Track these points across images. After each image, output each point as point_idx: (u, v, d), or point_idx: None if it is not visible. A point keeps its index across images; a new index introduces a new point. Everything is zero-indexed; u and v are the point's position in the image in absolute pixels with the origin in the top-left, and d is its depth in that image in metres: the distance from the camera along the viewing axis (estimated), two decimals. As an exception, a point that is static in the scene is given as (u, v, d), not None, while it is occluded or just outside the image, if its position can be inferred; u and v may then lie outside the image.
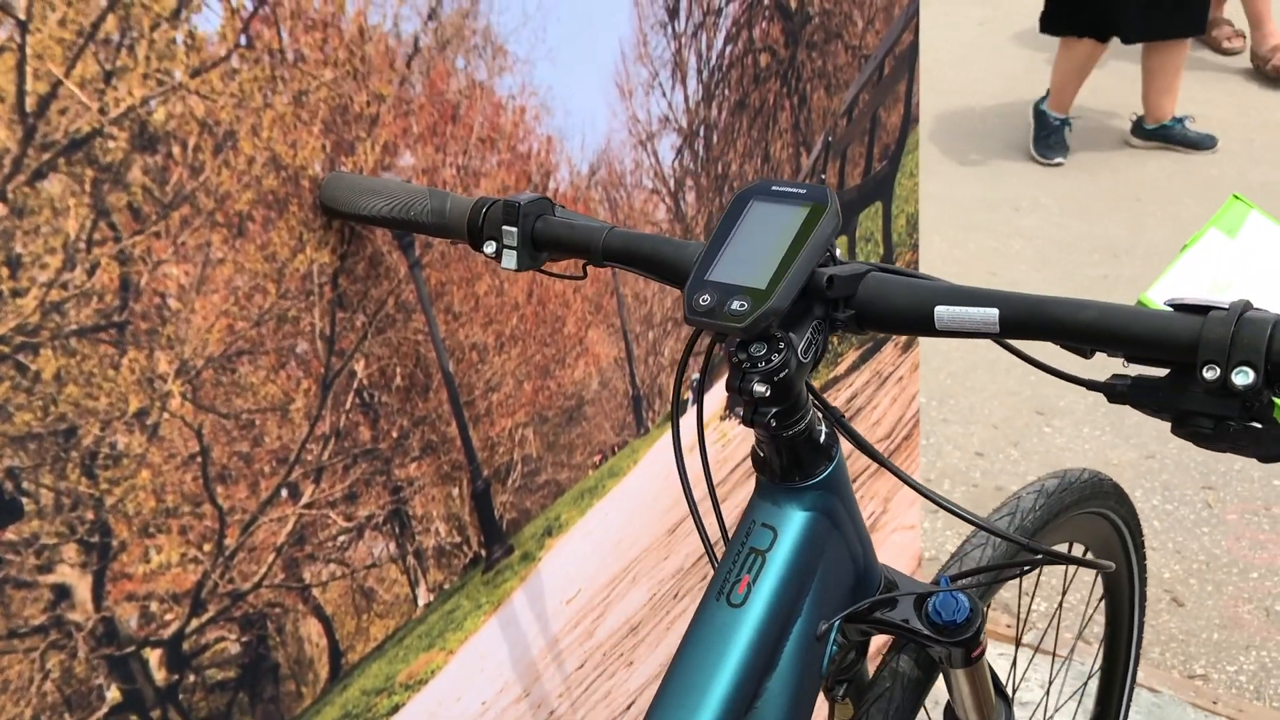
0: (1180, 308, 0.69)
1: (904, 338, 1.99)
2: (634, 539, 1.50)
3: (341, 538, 1.13)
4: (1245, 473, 3.07)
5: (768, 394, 0.78)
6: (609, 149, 1.29)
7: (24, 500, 0.87)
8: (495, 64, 1.14)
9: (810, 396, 0.86)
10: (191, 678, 1.03)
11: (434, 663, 1.26)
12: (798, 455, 0.84)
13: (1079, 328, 0.72)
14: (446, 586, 1.25)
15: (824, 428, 0.87)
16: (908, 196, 1.87)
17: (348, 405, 1.10)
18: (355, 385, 1.10)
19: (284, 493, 1.06)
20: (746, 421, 0.80)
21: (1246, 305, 0.67)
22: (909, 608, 0.95)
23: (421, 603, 1.23)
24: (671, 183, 1.38)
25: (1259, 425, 0.67)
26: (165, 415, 0.95)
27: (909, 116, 1.80)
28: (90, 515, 0.92)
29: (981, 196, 4.73)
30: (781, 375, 0.78)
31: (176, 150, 0.91)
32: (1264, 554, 2.81)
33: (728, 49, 1.41)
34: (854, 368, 1.88)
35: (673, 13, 1.32)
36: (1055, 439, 3.28)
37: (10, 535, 0.87)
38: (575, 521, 1.40)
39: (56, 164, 0.84)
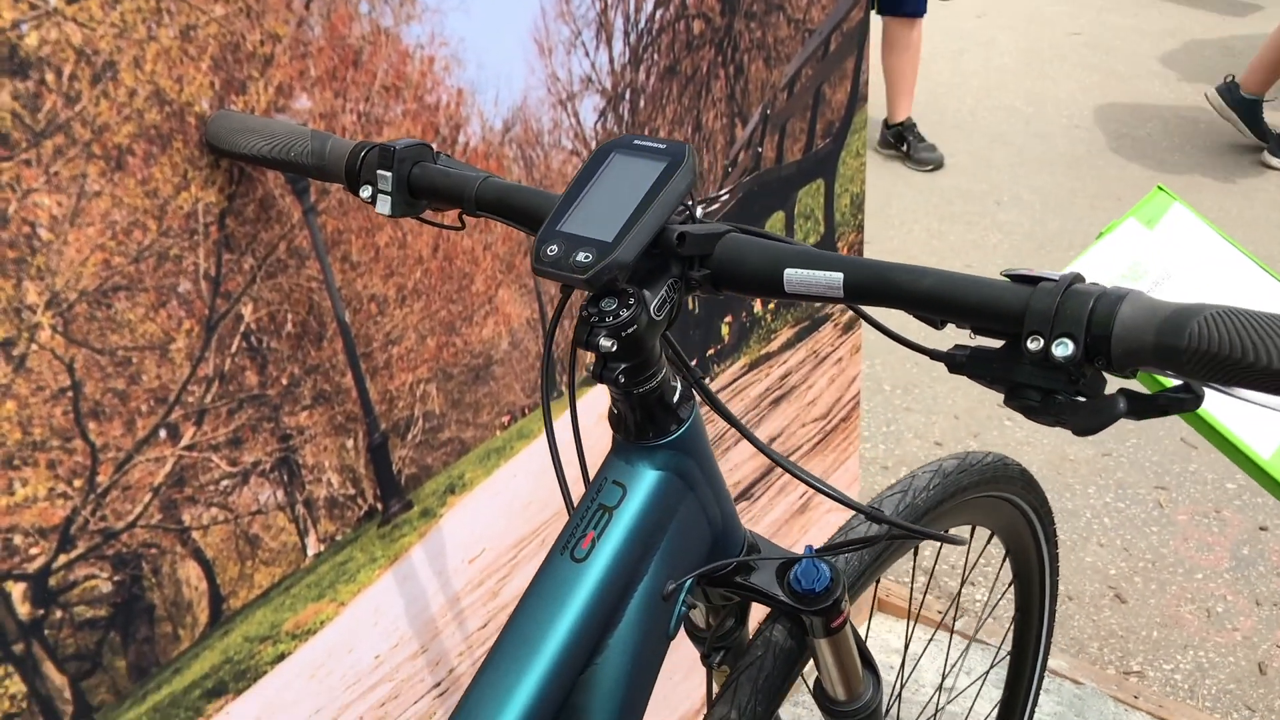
0: (1015, 278, 0.68)
1: (845, 317, 1.98)
2: (544, 502, 1.49)
3: (225, 482, 1.12)
4: (1199, 475, 3.07)
5: (614, 349, 0.77)
6: (525, 106, 1.28)
7: (-124, 423, 0.87)
8: (402, 11, 1.12)
9: (667, 356, 0.85)
10: (58, 614, 1.02)
11: (323, 613, 1.26)
12: (649, 413, 0.84)
13: (917, 294, 0.71)
14: (339, 538, 1.25)
15: (678, 385, 0.86)
16: (853, 176, 1.86)
17: (233, 349, 1.09)
18: (242, 329, 1.09)
19: (162, 433, 1.05)
20: (595, 376, 0.80)
21: (1076, 278, 0.66)
22: (771, 575, 0.94)
23: (311, 552, 1.22)
24: (594, 145, 1.37)
25: (1083, 399, 0.66)
26: (34, 347, 0.94)
27: (855, 94, 1.79)
28: (-52, 443, 0.91)
29: (963, 188, 4.71)
30: (630, 331, 0.77)
31: (50, 78, 0.89)
32: (1210, 556, 2.82)
33: (658, 13, 1.40)
34: (789, 345, 1.87)
35: (598, -28, 1.31)
36: (1015, 432, 3.28)
37: None
38: (480, 481, 1.39)
39: (-85, 83, 0.82)
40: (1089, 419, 0.66)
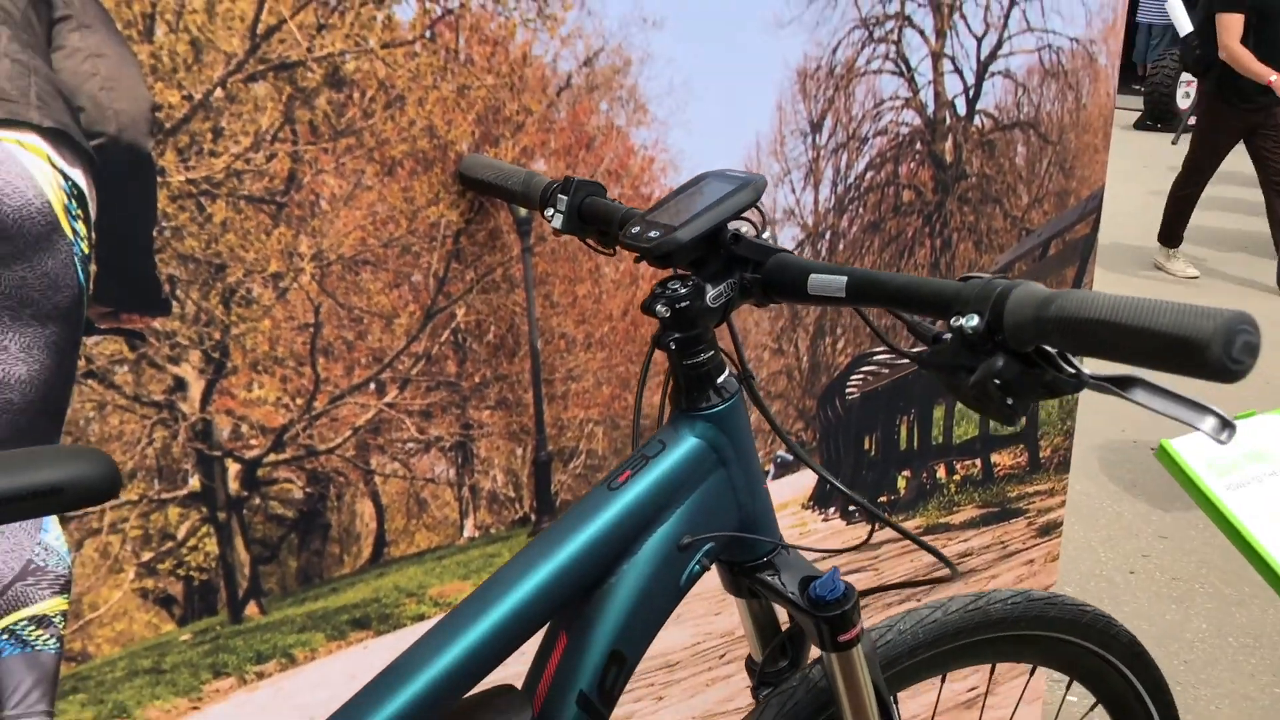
0: (962, 278, 0.83)
1: (1042, 519, 2.02)
2: (686, 578, 1.65)
3: (410, 445, 1.39)
4: None
5: (667, 315, 0.98)
6: (729, 218, 1.53)
7: (174, 303, 1.21)
8: (635, 116, 1.42)
9: (722, 353, 1.04)
10: (257, 500, 1.31)
11: (464, 593, 1.48)
12: (693, 384, 1.02)
13: (892, 290, 0.87)
14: (493, 531, 1.48)
15: (726, 374, 1.04)
16: (1064, 380, 1.95)
17: (442, 339, 1.38)
18: (452, 326, 1.38)
19: (372, 386, 1.35)
20: (654, 341, 1.00)
21: (1002, 277, 0.81)
22: (795, 581, 1.07)
23: (466, 534, 1.46)
24: (788, 269, 1.59)
25: (998, 383, 0.80)
26: (295, 285, 1.27)
27: (1075, 302, 1.91)
28: (216, 335, 1.24)
29: None
30: (682, 305, 0.97)
31: (356, 95, 1.25)
32: None
33: (869, 174, 1.63)
34: (972, 524, 1.94)
35: (815, 126, 1.57)
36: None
37: (157, 324, 1.21)
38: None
39: (266, 75, 1.20)
40: (1001, 408, 0.79)
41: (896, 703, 1.27)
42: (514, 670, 1.06)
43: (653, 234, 0.99)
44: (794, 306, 1.65)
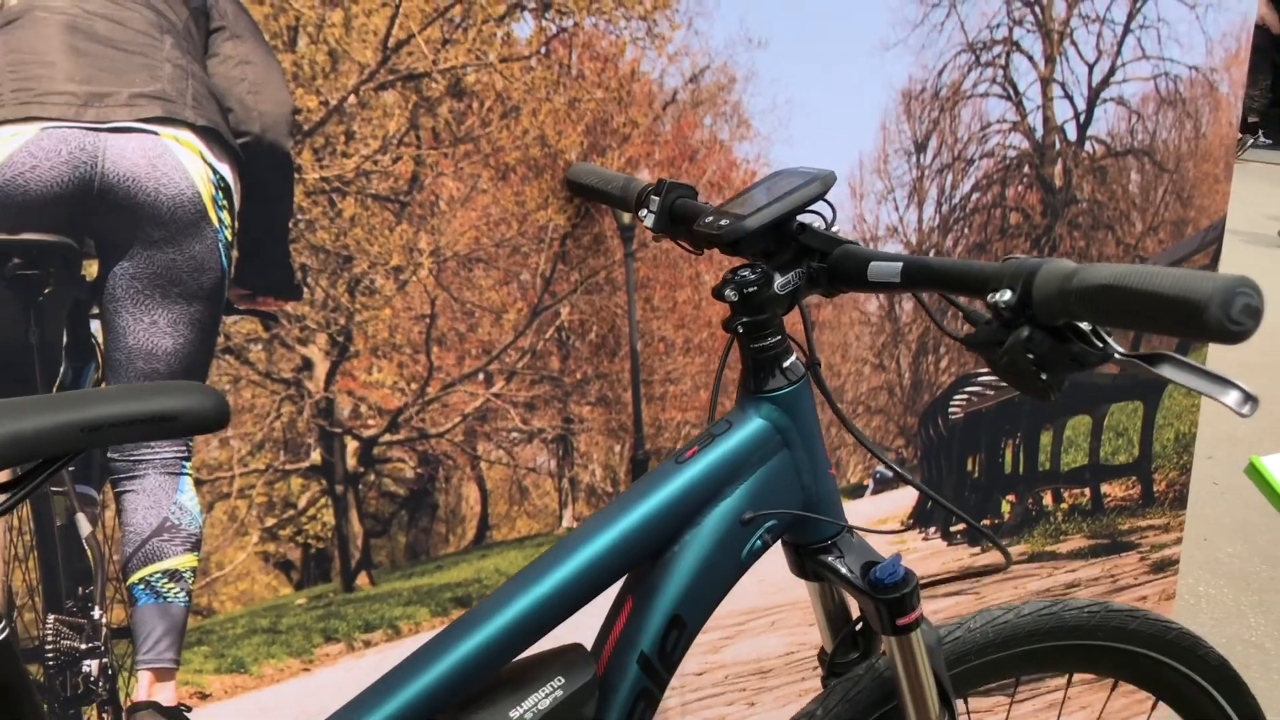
0: (1005, 259, 0.88)
1: (1156, 555, 1.99)
2: (780, 586, 1.69)
3: (514, 434, 1.48)
4: None
5: (735, 299, 1.04)
6: (830, 233, 1.58)
7: (305, 289, 1.33)
8: (738, 131, 1.50)
9: (792, 340, 1.09)
10: (372, 476, 1.42)
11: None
12: (760, 367, 1.07)
13: (937, 274, 0.92)
14: (590, 524, 1.55)
15: (793, 359, 1.09)
16: (1181, 414, 1.92)
17: (547, 335, 1.47)
18: (557, 324, 1.47)
19: (481, 376, 1.45)
20: (724, 325, 1.06)
21: (1039, 257, 0.84)
22: (858, 565, 1.11)
23: (565, 524, 1.54)
24: (889, 286, 1.63)
25: (1031, 357, 0.83)
26: (414, 278, 1.38)
27: (1193, 334, 1.88)
28: (341, 321, 1.36)
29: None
30: (750, 290, 1.03)
31: (475, 105, 1.36)
32: None
33: (974, 195, 1.66)
34: (1080, 555, 1.92)
35: (920, 146, 1.61)
36: None
37: (289, 308, 1.33)
38: (724, 535, 1.63)
39: (395, 84, 1.32)
40: (1034, 382, 0.83)
41: (968, 704, 1.28)
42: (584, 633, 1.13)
43: (724, 222, 1.05)
44: (896, 323, 1.68)
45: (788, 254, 1.07)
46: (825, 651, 1.25)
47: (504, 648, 1.02)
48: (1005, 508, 1.85)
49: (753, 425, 1.08)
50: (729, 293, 1.05)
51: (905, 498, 1.78)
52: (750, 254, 1.07)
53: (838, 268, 1.03)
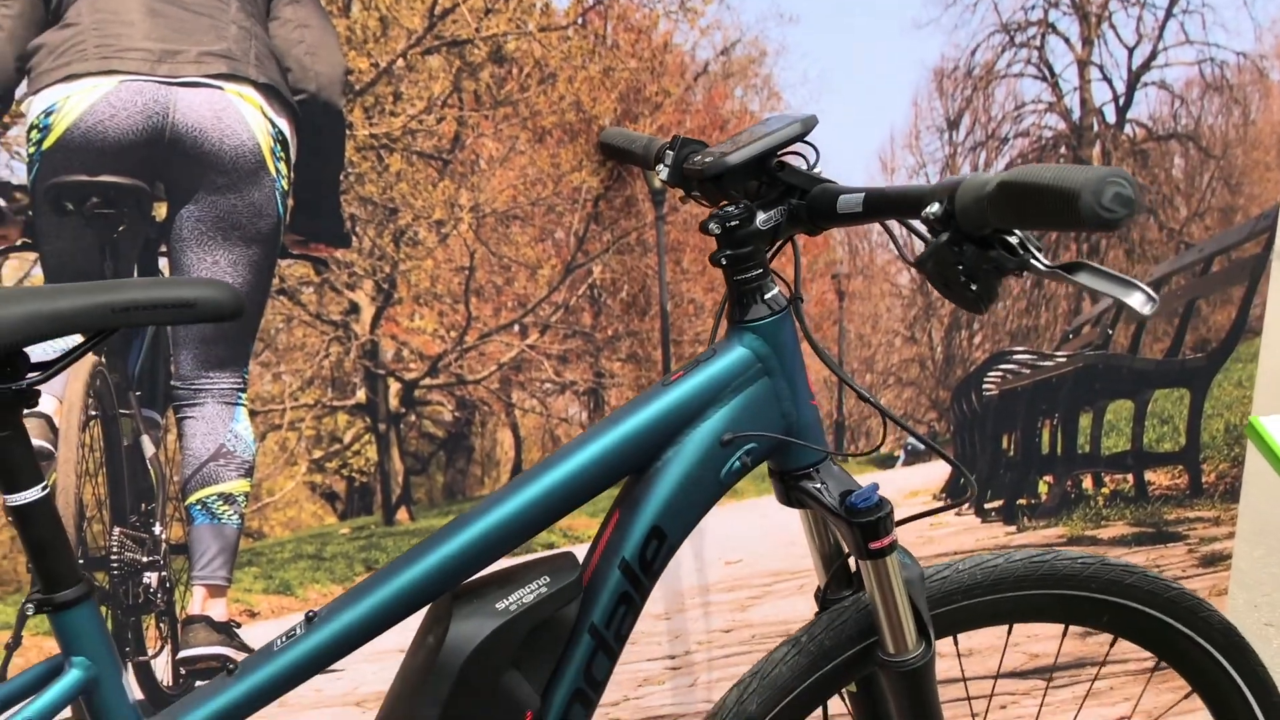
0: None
1: (1205, 548, 1.97)
2: (806, 552, 1.74)
3: (547, 385, 1.57)
4: None
5: (719, 232, 1.11)
6: (860, 205, 1.64)
7: (354, 238, 1.45)
8: (769, 104, 1.57)
9: (777, 276, 1.16)
10: (412, 417, 1.53)
11: (590, 530, 1.63)
12: (742, 298, 1.14)
13: (891, 200, 0.98)
14: (619, 475, 1.63)
15: (774, 292, 1.15)
16: (1231, 404, 1.91)
17: (580, 292, 1.56)
18: (589, 281, 1.56)
19: (516, 328, 1.54)
20: (711, 259, 1.13)
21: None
22: (837, 493, 1.16)
23: (594, 474, 1.61)
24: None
25: (961, 268, 0.89)
26: (455, 231, 1.49)
27: (1242, 325, 1.88)
28: (386, 269, 1.47)
29: None
30: (732, 224, 1.11)
31: (515, 71, 1.46)
32: None
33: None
34: (1121, 542, 1.92)
35: (952, 124, 1.66)
36: None
37: (339, 255, 1.45)
38: (751, 496, 1.69)
39: (440, 49, 1.43)
40: (963, 292, 0.89)
41: (957, 643, 1.32)
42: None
43: (709, 159, 1.13)
44: (928, 296, 1.73)
45: (772, 194, 1.14)
46: (820, 589, 1.31)
47: (496, 543, 1.11)
48: (1042, 488, 1.87)
49: (735, 353, 1.15)
50: (713, 226, 1.12)
51: (937, 472, 1.81)
52: (736, 192, 1.14)
53: (815, 204, 1.10)
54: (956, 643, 1.31)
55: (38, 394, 0.94)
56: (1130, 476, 1.91)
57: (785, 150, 1.13)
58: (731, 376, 1.14)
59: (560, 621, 1.13)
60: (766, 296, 1.15)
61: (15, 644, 1.46)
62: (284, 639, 1.09)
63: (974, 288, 0.90)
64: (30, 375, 0.93)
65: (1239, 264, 1.85)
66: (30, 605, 0.99)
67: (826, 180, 1.11)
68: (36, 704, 0.98)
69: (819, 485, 1.18)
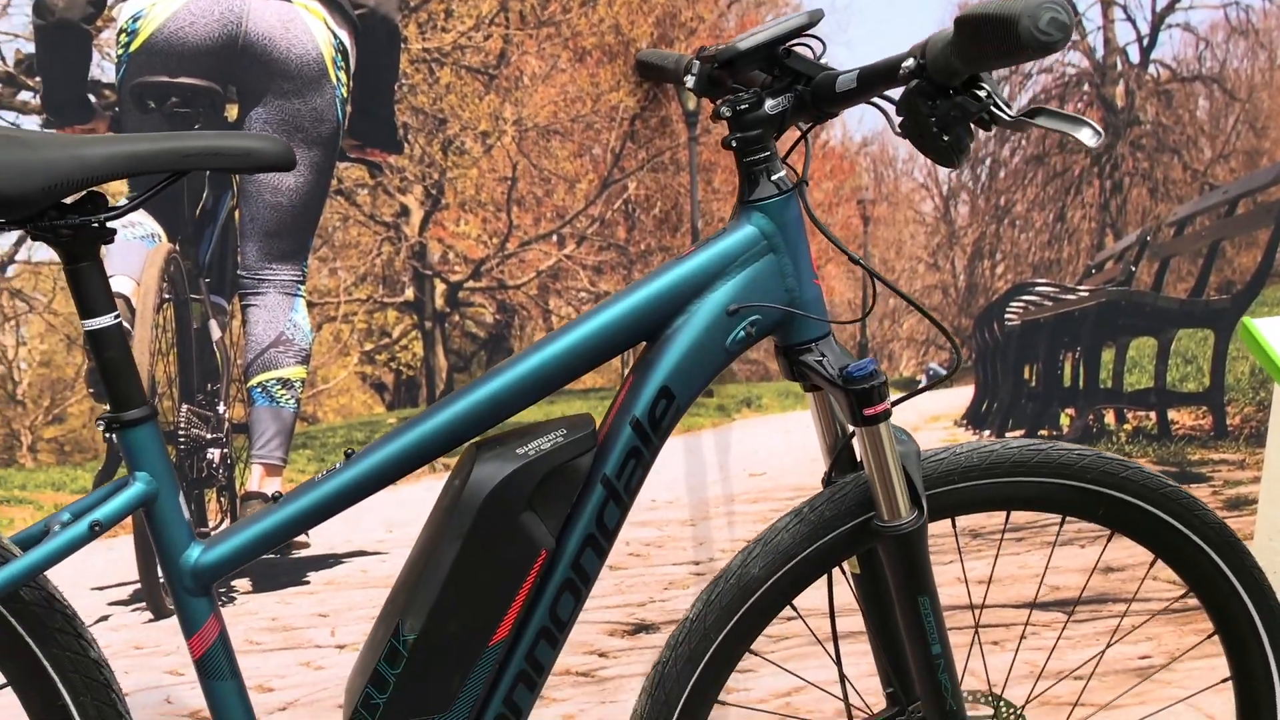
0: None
1: (1232, 491, 2.01)
2: (831, 465, 1.82)
3: (583, 294, 1.68)
4: None
5: (729, 116, 1.21)
6: (885, 133, 1.72)
7: (406, 144, 1.57)
8: (798, 32, 1.66)
9: (783, 162, 1.25)
10: (456, 317, 1.64)
11: (621, 433, 1.73)
12: (750, 177, 1.23)
13: (883, 72, 1.07)
14: (649, 383, 1.72)
15: (781, 174, 1.24)
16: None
17: (615, 206, 1.66)
18: (625, 196, 1.66)
19: (554, 238, 1.65)
20: (723, 143, 1.23)
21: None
22: (836, 366, 1.25)
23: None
24: (945, 187, 1.76)
25: (934, 119, 0.98)
26: (498, 143, 1.60)
27: (1268, 269, 1.92)
28: (435, 176, 1.59)
29: None
30: (741, 108, 1.20)
31: (559, -6, 1.58)
32: None
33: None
34: (1144, 478, 1.96)
35: (976, 58, 1.73)
36: None
37: (392, 160, 1.58)
38: (775, 411, 1.78)
39: (489, -28, 1.55)
40: (934, 142, 0.98)
41: (955, 524, 1.40)
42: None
43: (723, 49, 1.23)
44: (951, 225, 1.80)
45: (781, 84, 1.23)
46: (826, 474, 1.39)
47: (520, 394, 1.21)
48: (1064, 420, 1.92)
49: (743, 230, 1.24)
50: (724, 109, 1.22)
51: (960, 398, 1.88)
52: (745, 79, 1.24)
53: (818, 89, 1.19)
54: (954, 523, 1.39)
55: (113, 231, 1.07)
56: (1153, 415, 1.96)
57: (794, 41, 1.23)
58: (739, 251, 1.23)
59: (575, 470, 1.23)
60: (774, 177, 1.24)
61: (105, 475, 1.59)
62: (324, 473, 1.21)
63: (946, 138, 0.99)
64: (108, 213, 1.06)
65: (1264, 207, 1.89)
66: (101, 422, 1.12)
67: (831, 68, 1.21)
68: (106, 507, 1.11)
69: (819, 358, 1.26)
